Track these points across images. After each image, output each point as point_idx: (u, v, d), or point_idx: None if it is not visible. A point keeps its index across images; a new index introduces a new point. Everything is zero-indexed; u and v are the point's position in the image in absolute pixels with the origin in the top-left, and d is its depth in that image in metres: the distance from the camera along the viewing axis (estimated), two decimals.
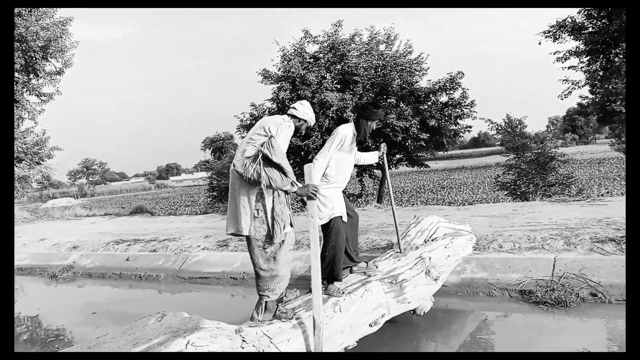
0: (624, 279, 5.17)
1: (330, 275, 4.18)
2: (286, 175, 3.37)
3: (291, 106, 3.91)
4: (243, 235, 3.53)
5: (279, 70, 15.10)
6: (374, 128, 4.51)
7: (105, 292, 8.16)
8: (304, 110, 3.85)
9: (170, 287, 8.07)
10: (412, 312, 5.03)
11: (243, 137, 15.79)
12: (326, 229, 4.29)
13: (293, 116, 3.82)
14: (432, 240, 5.54)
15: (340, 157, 4.32)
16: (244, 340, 2.95)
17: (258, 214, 3.46)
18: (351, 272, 4.58)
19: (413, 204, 15.55)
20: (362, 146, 4.57)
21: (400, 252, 5.09)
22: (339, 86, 14.03)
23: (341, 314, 3.81)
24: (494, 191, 16.14)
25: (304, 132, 4.02)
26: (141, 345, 2.45)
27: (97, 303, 7.38)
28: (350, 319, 3.84)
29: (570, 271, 5.49)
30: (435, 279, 4.99)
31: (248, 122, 15.83)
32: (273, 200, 3.49)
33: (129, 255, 9.62)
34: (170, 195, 42.11)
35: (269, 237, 3.50)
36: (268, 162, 3.34)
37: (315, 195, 3.61)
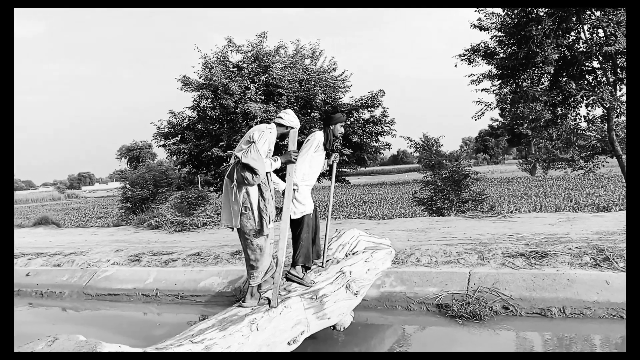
0: (533, 293, 5.40)
1: (303, 261, 4.78)
2: (256, 174, 3.89)
3: (277, 116, 4.47)
4: (237, 228, 4.09)
5: (200, 78, 14.69)
6: (342, 132, 5.09)
7: None
8: (289, 118, 4.42)
9: (75, 305, 7.46)
10: (332, 327, 4.93)
11: (161, 146, 15.26)
12: (298, 224, 4.78)
13: (279, 124, 4.38)
14: (353, 254, 5.51)
15: (315, 159, 4.86)
16: None
17: (245, 210, 4.02)
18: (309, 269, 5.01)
19: (335, 218, 15.60)
20: (327, 152, 5.06)
21: (323, 267, 5.01)
22: (262, 97, 13.87)
23: (258, 333, 3.63)
24: (412, 206, 16.58)
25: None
26: None
27: None
28: (267, 338, 3.66)
29: (484, 285, 5.65)
30: (356, 294, 4.94)
31: (166, 129, 15.24)
32: (258, 198, 4.08)
33: (29, 270, 8.81)
34: (82, 206, 39.52)
35: (257, 230, 4.07)
36: (242, 164, 3.90)
37: (295, 159, 4.37)
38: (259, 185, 4.06)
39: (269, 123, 4.51)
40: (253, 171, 3.88)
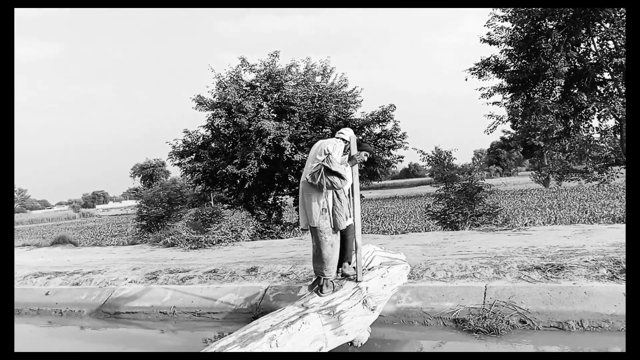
0: (550, 306, 5.39)
1: (348, 259, 5.25)
2: (343, 178, 4.64)
3: (338, 132, 5.26)
4: (313, 227, 4.75)
5: (214, 97, 14.93)
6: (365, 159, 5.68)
7: (20, 330, 7.50)
8: (349, 134, 5.19)
9: (94, 324, 7.55)
10: (349, 343, 4.96)
11: (176, 165, 15.46)
12: (344, 231, 5.16)
13: (342, 139, 5.11)
14: (369, 269, 5.54)
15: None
16: None
17: (323, 212, 4.68)
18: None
19: None
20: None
21: (357, 281, 5.08)
22: (275, 115, 14.04)
23: (277, 350, 3.68)
24: (425, 220, 16.57)
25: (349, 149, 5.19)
26: None
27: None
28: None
29: (500, 299, 5.65)
30: (373, 309, 4.97)
31: (181, 148, 15.46)
32: (334, 200, 4.78)
33: (48, 289, 8.95)
34: (97, 224, 39.97)
35: (333, 228, 4.75)
36: (328, 171, 4.61)
37: (361, 160, 5.09)
38: (335, 190, 4.74)
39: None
40: (340, 176, 4.62)
